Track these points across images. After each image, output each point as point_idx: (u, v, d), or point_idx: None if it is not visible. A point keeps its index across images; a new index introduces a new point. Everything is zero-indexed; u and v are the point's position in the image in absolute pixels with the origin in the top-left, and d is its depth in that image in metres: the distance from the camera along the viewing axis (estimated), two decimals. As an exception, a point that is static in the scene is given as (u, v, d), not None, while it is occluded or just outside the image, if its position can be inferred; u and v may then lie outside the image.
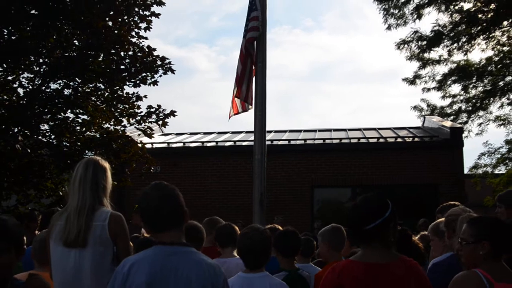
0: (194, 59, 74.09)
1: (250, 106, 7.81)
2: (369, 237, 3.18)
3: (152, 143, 17.03)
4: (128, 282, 2.91)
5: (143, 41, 11.63)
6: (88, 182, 4.05)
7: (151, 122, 12.00)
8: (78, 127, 11.99)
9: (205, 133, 21.53)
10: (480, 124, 24.93)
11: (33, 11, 11.00)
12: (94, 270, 3.85)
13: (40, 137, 11.77)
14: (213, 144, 18.64)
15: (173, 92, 79.80)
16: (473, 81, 23.86)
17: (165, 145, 18.58)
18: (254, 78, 7.76)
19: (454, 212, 4.15)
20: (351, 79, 74.49)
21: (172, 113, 11.80)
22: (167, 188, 3.13)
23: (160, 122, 11.87)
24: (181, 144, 18.77)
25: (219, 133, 21.29)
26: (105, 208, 4.06)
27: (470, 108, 24.72)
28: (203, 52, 79.30)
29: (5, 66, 11.31)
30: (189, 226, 4.35)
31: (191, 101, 76.26)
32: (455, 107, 25.27)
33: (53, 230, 4.02)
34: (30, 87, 11.71)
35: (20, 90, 11.74)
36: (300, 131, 21.29)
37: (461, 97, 24.89)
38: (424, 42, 21.77)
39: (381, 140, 18.37)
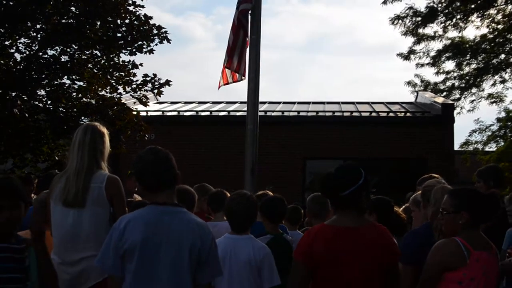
0: (190, 27, 73.71)
1: (243, 77, 7.94)
2: (344, 203, 3.41)
3: (147, 111, 17.17)
4: (124, 238, 3.14)
5: (139, 10, 11.76)
6: (86, 146, 4.28)
7: (146, 90, 12.18)
8: (74, 93, 12.14)
9: (199, 102, 21.65)
10: (472, 101, 25.01)
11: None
12: (92, 229, 4.11)
13: (36, 103, 11.94)
14: (208, 113, 18.80)
15: (168, 60, 79.43)
16: (467, 58, 23.87)
17: (159, 113, 18.73)
18: (248, 50, 7.89)
19: (430, 183, 4.39)
20: (347, 51, 74.37)
21: (167, 82, 11.99)
22: (161, 152, 3.36)
23: (155, 91, 12.05)
24: (175, 113, 18.93)
25: (213, 102, 21.41)
26: (102, 171, 4.29)
27: (463, 85, 24.76)
28: (199, 21, 78.87)
29: (2, 31, 11.40)
30: (180, 189, 4.58)
31: (186, 70, 76.15)
32: (449, 83, 25.20)
33: (53, 191, 4.25)
34: (27, 53, 11.83)
35: (17, 56, 11.89)
36: (294, 103, 21.43)
37: (455, 74, 24.83)
38: (419, 18, 21.80)
39: (374, 114, 18.57)
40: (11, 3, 10.94)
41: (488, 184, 5.72)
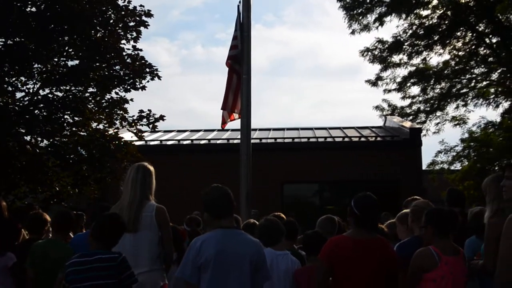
0: (154, 53, 74.16)
1: (239, 115, 8.86)
2: (373, 222, 4.55)
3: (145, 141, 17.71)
4: (200, 253, 4.17)
5: (137, 52, 12.74)
6: (138, 182, 5.27)
7: (142, 125, 13.04)
8: (73, 128, 12.91)
9: (192, 131, 22.52)
10: (437, 124, 26.16)
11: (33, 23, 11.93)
12: (146, 249, 5.10)
13: (36, 136, 12.67)
14: (205, 142, 19.77)
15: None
16: (431, 83, 25.20)
17: (157, 142, 19.54)
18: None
19: (419, 204, 5.47)
20: (312, 74, 75.65)
21: (161, 117, 12.88)
22: (223, 188, 4.45)
23: (150, 126, 12.91)
24: (174, 142, 19.85)
25: (205, 130, 22.33)
26: (151, 202, 5.26)
27: (428, 109, 25.97)
28: (163, 46, 79.61)
29: (5, 70, 12.17)
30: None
31: (152, 95, 76.48)
32: (414, 107, 26.45)
33: None
34: (26, 91, 12.61)
35: (18, 94, 12.66)
36: (269, 129, 22.40)
37: (420, 98, 26.05)
38: (386, 50, 23.24)
39: (346, 139, 19.65)
40: (19, 47, 11.74)
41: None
